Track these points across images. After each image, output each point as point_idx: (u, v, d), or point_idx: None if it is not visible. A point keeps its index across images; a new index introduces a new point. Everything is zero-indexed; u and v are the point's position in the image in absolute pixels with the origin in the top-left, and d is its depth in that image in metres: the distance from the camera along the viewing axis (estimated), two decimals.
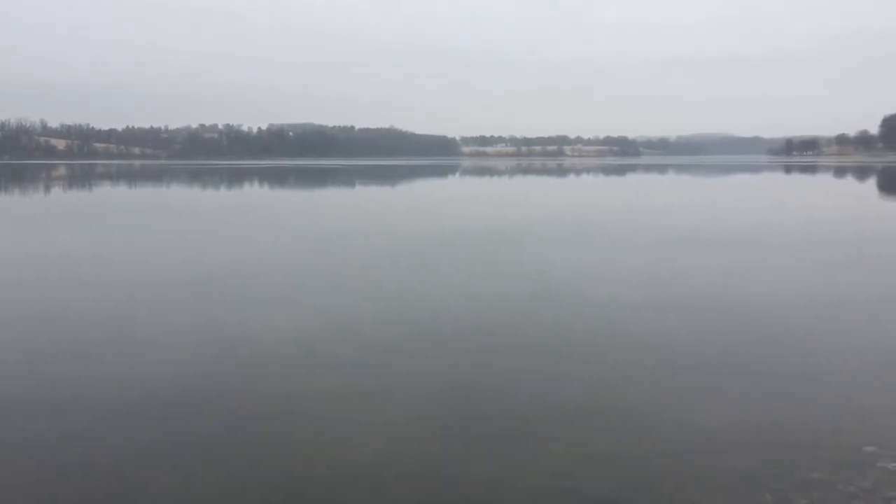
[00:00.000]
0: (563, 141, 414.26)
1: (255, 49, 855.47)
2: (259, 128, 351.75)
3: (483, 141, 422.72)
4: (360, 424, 8.64)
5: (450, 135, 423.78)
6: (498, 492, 7.04)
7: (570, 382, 10.21)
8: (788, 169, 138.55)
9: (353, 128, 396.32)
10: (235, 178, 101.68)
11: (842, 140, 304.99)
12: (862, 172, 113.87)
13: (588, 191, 72.32)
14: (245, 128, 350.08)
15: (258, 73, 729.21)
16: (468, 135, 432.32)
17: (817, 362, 11.13)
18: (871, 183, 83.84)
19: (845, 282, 17.98)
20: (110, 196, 63.21)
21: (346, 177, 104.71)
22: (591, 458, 7.69)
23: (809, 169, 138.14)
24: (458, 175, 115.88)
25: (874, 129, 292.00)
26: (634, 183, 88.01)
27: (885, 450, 7.73)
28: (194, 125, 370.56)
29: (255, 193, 68.40)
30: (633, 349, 11.85)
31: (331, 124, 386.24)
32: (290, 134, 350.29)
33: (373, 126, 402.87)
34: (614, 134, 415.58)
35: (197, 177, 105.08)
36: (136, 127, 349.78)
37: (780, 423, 8.68)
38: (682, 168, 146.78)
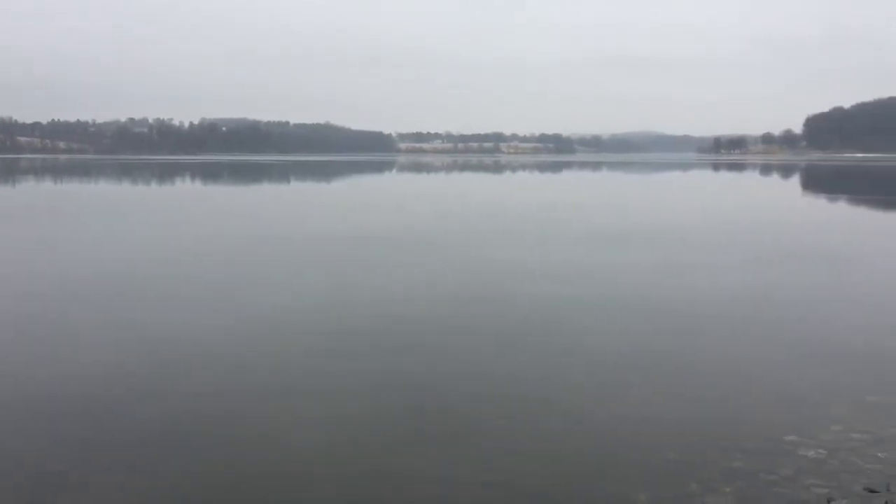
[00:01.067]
0: (498, 138, 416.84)
1: (188, 41, 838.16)
2: (191, 122, 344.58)
3: (419, 137, 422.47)
4: (283, 423, 8.58)
5: (386, 131, 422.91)
6: (428, 487, 7.07)
7: (500, 378, 10.31)
8: (717, 167, 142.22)
9: (287, 123, 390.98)
10: (165, 174, 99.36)
11: (767, 139, 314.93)
12: (786, 170, 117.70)
13: (523, 187, 72.93)
14: (176, 122, 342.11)
15: (190, 66, 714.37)
16: (405, 131, 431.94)
17: (742, 354, 11.48)
18: (795, 180, 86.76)
19: (770, 276, 18.58)
20: (30, 192, 61.08)
21: (279, 173, 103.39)
22: (522, 453, 7.79)
23: (737, 167, 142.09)
24: (394, 171, 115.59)
25: (798, 128, 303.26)
26: (569, 180, 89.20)
27: (805, 438, 8.03)
28: (123, 119, 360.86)
29: (180, 190, 66.99)
30: (563, 344, 12.03)
31: (265, 119, 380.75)
32: (223, 129, 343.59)
33: (308, 122, 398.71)
34: (549, 131, 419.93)
35: (123, 173, 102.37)
36: (61, 120, 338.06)
37: (706, 413, 8.94)
38: (615, 165, 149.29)
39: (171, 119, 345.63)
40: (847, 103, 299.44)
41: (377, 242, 24.85)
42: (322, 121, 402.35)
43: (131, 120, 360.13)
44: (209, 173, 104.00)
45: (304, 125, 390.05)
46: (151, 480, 7.15)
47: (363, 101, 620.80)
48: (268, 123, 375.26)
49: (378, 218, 35.32)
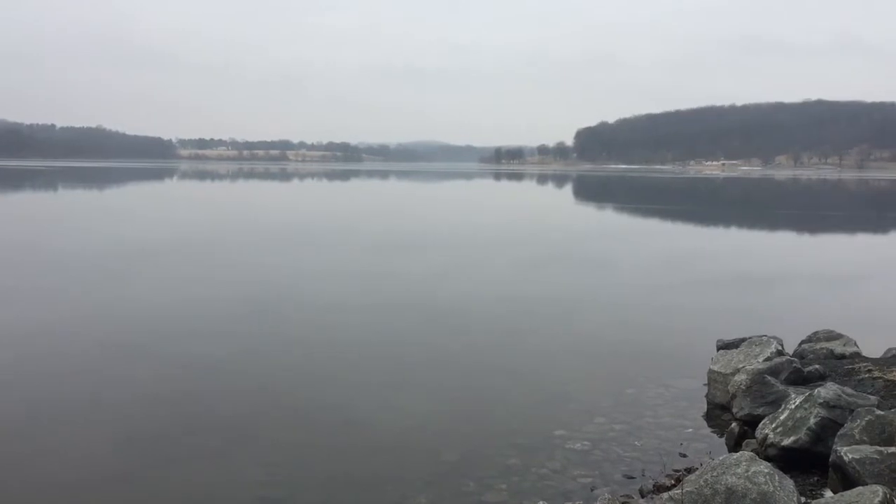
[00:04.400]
0: (286, 145, 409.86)
1: None
2: None
3: (202, 144, 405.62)
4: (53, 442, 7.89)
5: (165, 136, 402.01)
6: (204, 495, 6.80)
7: (276, 387, 10.17)
8: (498, 176, 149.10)
9: (53, 126, 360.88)
10: None
11: (543, 150, 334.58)
12: (560, 179, 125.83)
13: (313, 195, 72.27)
14: None
15: None
16: (186, 137, 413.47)
17: (513, 353, 12.11)
18: (568, 189, 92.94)
19: (539, 277, 19.77)
20: None
21: (41, 180, 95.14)
22: (298, 464, 7.67)
23: (516, 176, 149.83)
24: (175, 179, 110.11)
25: (569, 140, 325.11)
26: (359, 188, 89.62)
27: (572, 432, 8.57)
28: None
29: None
30: (339, 348, 12.07)
31: (27, 122, 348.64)
32: None
33: (77, 125, 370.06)
34: (337, 140, 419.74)
35: None
36: None
37: (483, 412, 9.31)
38: (403, 174, 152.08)
39: None
40: (611, 118, 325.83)
41: (156, 254, 23.56)
42: (93, 125, 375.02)
43: None
44: None
45: (72, 129, 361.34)
46: None
47: (140, 105, 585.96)
48: (30, 126, 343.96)
49: (156, 227, 33.49)
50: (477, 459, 7.81)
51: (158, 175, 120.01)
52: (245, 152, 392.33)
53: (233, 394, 9.90)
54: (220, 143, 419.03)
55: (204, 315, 14.63)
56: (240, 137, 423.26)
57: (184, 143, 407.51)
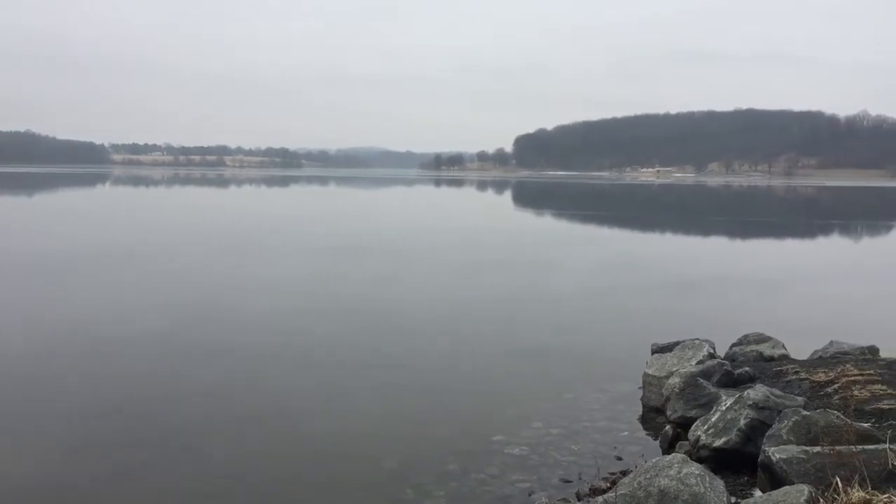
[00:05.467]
0: (223, 151, 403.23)
1: None
2: None
3: (136, 149, 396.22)
4: None
5: (98, 141, 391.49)
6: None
7: (219, 390, 10.01)
8: (438, 182, 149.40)
9: None
10: None
11: (482, 157, 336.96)
12: (499, 185, 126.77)
13: (250, 201, 71.32)
14: None
15: None
16: (119, 142, 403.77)
17: (454, 358, 12.14)
18: (507, 195, 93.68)
19: (479, 282, 19.87)
20: None
21: None
22: (235, 474, 7.54)
23: (457, 182, 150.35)
24: (107, 185, 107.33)
25: (509, 147, 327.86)
26: (298, 194, 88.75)
27: (510, 437, 8.61)
28: None
29: None
30: (280, 355, 11.93)
31: None
32: None
33: (4, 129, 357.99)
34: (276, 145, 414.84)
35: None
36: None
37: (422, 417, 9.31)
38: (343, 180, 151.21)
39: None
40: (549, 125, 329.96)
41: (85, 261, 22.91)
42: (21, 129, 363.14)
43: None
44: None
45: None
46: None
47: (71, 109, 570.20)
48: None
49: (93, 233, 32.59)
50: (415, 465, 7.79)
51: (90, 181, 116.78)
52: (181, 157, 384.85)
53: (167, 403, 9.67)
54: (155, 148, 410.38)
55: (138, 323, 14.28)
56: (175, 143, 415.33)
57: (117, 148, 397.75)
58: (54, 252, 25.39)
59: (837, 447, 5.73)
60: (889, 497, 4.93)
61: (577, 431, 8.86)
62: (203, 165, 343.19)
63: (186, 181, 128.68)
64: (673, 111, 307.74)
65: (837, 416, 6.56)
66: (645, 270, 23.64)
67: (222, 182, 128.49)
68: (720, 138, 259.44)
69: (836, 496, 5.07)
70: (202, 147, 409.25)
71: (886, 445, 5.78)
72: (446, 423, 9.13)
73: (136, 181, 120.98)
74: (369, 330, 14.16)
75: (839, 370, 8.97)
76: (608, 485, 6.97)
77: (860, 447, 5.77)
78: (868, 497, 4.98)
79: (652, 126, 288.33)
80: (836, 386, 8.42)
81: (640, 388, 10.24)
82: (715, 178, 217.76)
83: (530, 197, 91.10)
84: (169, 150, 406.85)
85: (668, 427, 8.63)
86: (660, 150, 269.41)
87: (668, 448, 8.15)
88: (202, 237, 32.25)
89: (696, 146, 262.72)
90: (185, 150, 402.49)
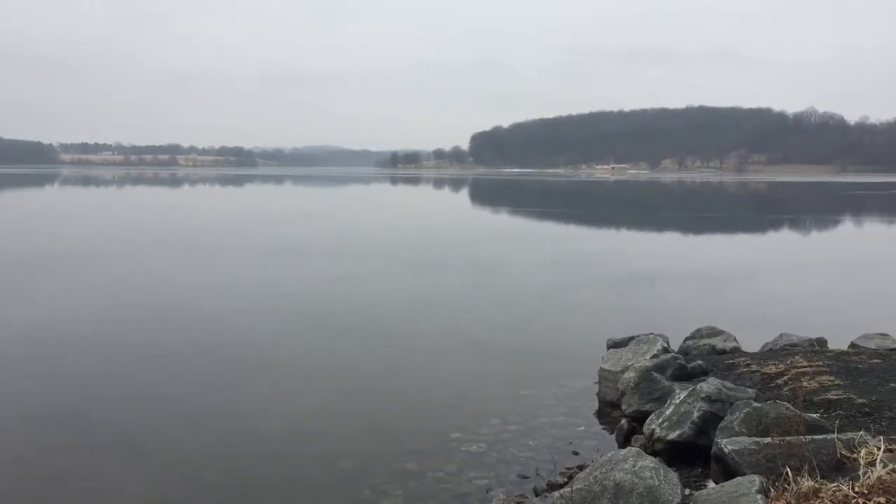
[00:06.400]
0: (175, 150, 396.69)
1: None
2: None
3: (86, 148, 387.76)
4: None
5: (45, 140, 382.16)
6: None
7: (172, 392, 9.88)
8: (395, 180, 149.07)
9: None
10: None
11: (439, 154, 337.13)
12: (456, 183, 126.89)
13: (204, 201, 70.35)
14: None
15: None
16: (68, 141, 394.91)
17: (412, 356, 12.13)
18: (464, 192, 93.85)
19: (433, 281, 19.90)
20: None
21: None
22: (193, 470, 7.43)
23: (413, 180, 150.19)
24: (55, 185, 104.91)
25: (465, 145, 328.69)
26: (251, 194, 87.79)
27: (468, 434, 8.62)
28: None
29: None
30: (233, 356, 11.79)
31: None
32: None
33: None
34: (230, 144, 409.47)
35: None
36: None
37: (379, 417, 9.27)
38: (298, 179, 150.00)
39: None
40: (505, 123, 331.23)
41: (26, 264, 22.37)
42: None
43: None
44: None
45: None
46: None
47: (17, 109, 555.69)
48: None
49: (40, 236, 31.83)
50: (372, 465, 7.75)
51: (37, 181, 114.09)
52: (132, 157, 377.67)
53: (117, 405, 9.49)
54: (106, 147, 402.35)
55: (86, 325, 13.99)
56: (126, 142, 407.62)
57: (66, 148, 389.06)
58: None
59: (787, 438, 5.83)
60: (837, 486, 5.04)
61: (535, 427, 8.91)
62: (155, 165, 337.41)
63: (138, 181, 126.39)
64: (627, 109, 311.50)
65: (787, 408, 6.68)
66: (600, 266, 23.88)
67: (175, 181, 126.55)
68: (673, 135, 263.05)
69: (786, 486, 5.16)
70: (154, 146, 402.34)
71: (834, 435, 5.91)
72: (403, 422, 9.11)
73: (86, 181, 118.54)
74: (324, 330, 14.08)
75: (789, 362, 9.15)
76: (565, 480, 7.01)
77: (809, 437, 5.89)
78: (817, 486, 5.07)
79: (607, 123, 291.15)
80: (786, 378, 8.59)
81: (596, 383, 10.33)
82: (668, 174, 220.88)
83: (486, 194, 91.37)
84: (120, 149, 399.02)
85: (623, 421, 8.72)
86: (614, 148, 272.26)
87: (624, 442, 8.23)
88: (153, 238, 31.70)
89: (649, 143, 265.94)
90: (136, 150, 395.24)
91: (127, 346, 12.57)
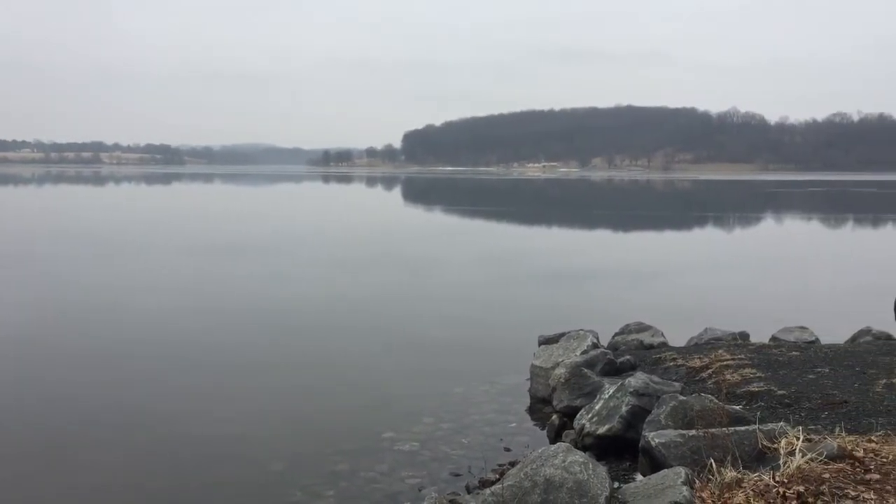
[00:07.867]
0: (99, 147, 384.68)
1: None
2: None
3: (3, 145, 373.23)
4: None
5: None
6: None
7: (94, 393, 9.65)
8: (327, 178, 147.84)
9: None
10: None
11: (371, 153, 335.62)
12: (389, 182, 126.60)
13: (129, 200, 68.47)
14: None
15: None
16: None
17: (342, 355, 12.03)
18: (396, 191, 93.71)
19: (364, 279, 19.80)
20: None
21: None
22: (117, 475, 7.21)
23: (345, 178, 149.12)
24: None
25: (398, 143, 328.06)
26: (178, 192, 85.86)
27: (400, 433, 8.59)
28: None
29: None
30: (158, 356, 11.51)
31: None
32: None
33: None
34: (156, 142, 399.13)
35: None
36: None
37: (310, 417, 9.17)
38: (228, 177, 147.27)
39: None
40: (437, 121, 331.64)
41: None
42: None
43: None
44: None
45: None
46: None
47: None
48: None
49: None
50: (304, 467, 7.66)
51: None
52: (53, 154, 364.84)
53: (45, 408, 9.15)
54: (24, 144, 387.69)
55: (10, 327, 13.44)
56: (46, 139, 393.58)
57: None
58: None
59: (711, 430, 5.97)
60: (759, 476, 5.18)
61: (467, 425, 8.93)
62: (77, 163, 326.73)
63: (59, 179, 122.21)
64: (558, 108, 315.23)
65: (711, 400, 6.85)
66: (531, 263, 24.12)
67: (99, 180, 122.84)
68: (602, 134, 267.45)
69: (710, 477, 5.28)
70: (76, 143, 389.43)
71: (756, 426, 6.08)
72: (335, 423, 9.02)
73: (3, 180, 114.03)
74: (253, 330, 13.85)
75: (713, 356, 9.39)
76: (497, 476, 7.04)
77: (732, 429, 6.04)
78: (740, 476, 5.21)
79: (537, 122, 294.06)
80: (710, 371, 8.81)
81: (527, 379, 10.41)
82: (598, 172, 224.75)
83: (419, 193, 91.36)
84: (39, 146, 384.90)
85: (554, 417, 8.81)
86: (545, 146, 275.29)
87: (555, 437, 8.32)
88: (79, 238, 30.71)
89: (579, 142, 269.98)
90: (57, 147, 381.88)
91: (52, 347, 12.17)
